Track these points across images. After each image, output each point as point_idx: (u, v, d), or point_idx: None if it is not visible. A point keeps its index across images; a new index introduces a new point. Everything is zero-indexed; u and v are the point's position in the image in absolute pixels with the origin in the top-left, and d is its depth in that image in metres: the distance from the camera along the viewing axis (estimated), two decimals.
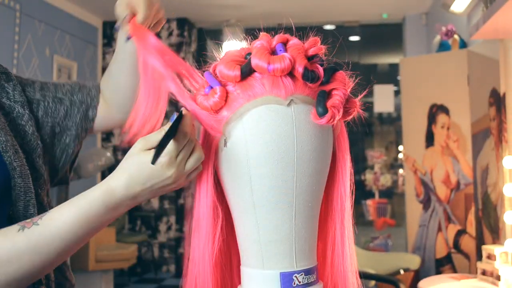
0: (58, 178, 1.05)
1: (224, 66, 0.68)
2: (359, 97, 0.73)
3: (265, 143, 0.66)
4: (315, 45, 0.70)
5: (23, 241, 0.68)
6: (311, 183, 0.68)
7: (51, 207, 0.96)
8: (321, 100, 0.66)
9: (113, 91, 1.06)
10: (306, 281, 0.68)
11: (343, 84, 0.69)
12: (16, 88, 0.98)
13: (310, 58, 0.69)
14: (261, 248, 0.68)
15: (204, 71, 0.72)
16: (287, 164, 0.66)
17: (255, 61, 0.66)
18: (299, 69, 0.66)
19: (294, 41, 0.69)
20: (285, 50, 0.68)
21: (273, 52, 0.68)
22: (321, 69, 0.68)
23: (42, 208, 0.94)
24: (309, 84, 0.67)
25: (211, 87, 0.69)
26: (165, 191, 0.70)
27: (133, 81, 1.02)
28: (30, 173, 0.92)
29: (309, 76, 0.66)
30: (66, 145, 1.03)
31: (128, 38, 0.88)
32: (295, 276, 0.67)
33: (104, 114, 1.07)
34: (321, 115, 0.66)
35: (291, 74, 0.67)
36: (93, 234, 0.72)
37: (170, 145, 0.65)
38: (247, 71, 0.67)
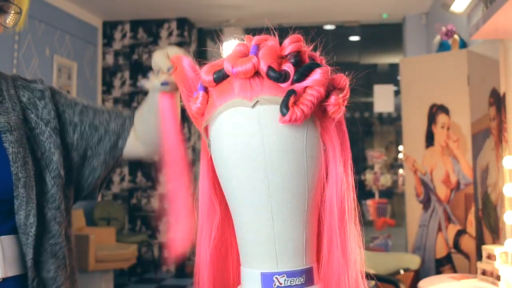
0: (84, 194, 1.15)
1: (203, 72, 0.70)
2: (343, 94, 0.70)
3: (235, 145, 0.67)
4: (294, 43, 0.69)
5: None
6: (286, 183, 0.67)
7: (61, 221, 1.05)
8: (285, 100, 0.65)
9: (143, 128, 1.14)
10: (289, 283, 0.67)
11: (319, 82, 0.67)
12: (46, 107, 1.08)
13: (285, 57, 0.68)
14: (246, 247, 0.70)
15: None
16: (258, 166, 0.66)
17: (224, 65, 0.67)
18: (263, 68, 0.66)
19: (271, 42, 0.69)
20: (258, 52, 0.68)
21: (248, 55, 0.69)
22: (291, 68, 0.66)
23: (44, 220, 1.01)
24: (279, 84, 0.66)
25: (197, 92, 0.72)
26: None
27: (159, 124, 1.09)
28: (38, 186, 1.00)
29: (274, 75, 0.65)
30: (93, 168, 1.13)
31: (165, 84, 0.92)
32: (276, 277, 0.67)
33: (133, 144, 1.16)
34: (284, 114, 0.65)
35: (261, 75, 0.67)
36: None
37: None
38: (219, 76, 0.68)
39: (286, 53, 0.68)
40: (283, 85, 0.66)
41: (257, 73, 0.67)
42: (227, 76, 0.68)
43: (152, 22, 5.81)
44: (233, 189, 0.68)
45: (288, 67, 0.66)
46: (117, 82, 5.87)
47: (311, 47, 0.71)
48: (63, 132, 1.10)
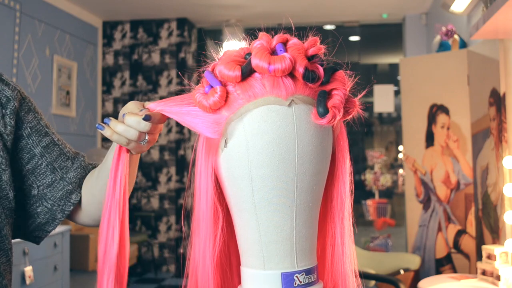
0: (19, 234, 1.00)
1: (224, 67, 0.67)
2: (359, 96, 0.72)
3: (266, 144, 0.66)
4: (314, 45, 0.69)
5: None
6: (312, 183, 0.68)
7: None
8: (322, 101, 0.66)
9: (91, 197, 0.97)
10: (307, 281, 0.68)
11: (343, 84, 0.69)
12: (4, 118, 0.93)
13: (310, 58, 0.68)
14: (262, 248, 0.68)
15: (203, 71, 0.72)
16: (288, 165, 0.66)
17: (255, 62, 0.66)
18: (300, 69, 0.66)
19: (294, 41, 0.69)
20: (285, 50, 0.67)
21: (273, 52, 0.68)
22: (321, 69, 0.68)
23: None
24: (309, 84, 0.67)
25: (211, 87, 0.69)
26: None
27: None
28: None
29: (310, 76, 0.66)
30: (36, 213, 0.97)
31: (147, 118, 0.76)
32: (296, 276, 0.67)
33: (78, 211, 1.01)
34: (322, 115, 0.65)
35: (291, 74, 0.67)
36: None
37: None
38: (247, 72, 0.67)
39: (309, 54, 0.68)
40: (312, 85, 0.67)
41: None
42: (253, 72, 0.67)
43: (152, 22, 5.81)
44: (253, 188, 0.67)
45: (318, 68, 0.67)
46: (117, 82, 5.87)
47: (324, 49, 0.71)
48: (15, 156, 0.95)
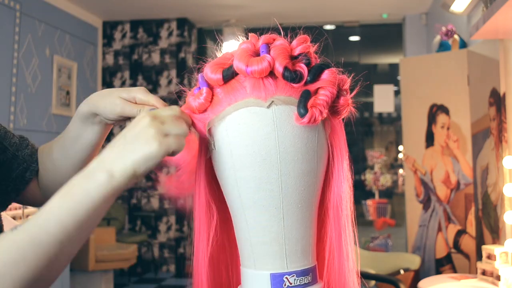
0: None
1: (209, 69, 0.69)
2: (351, 95, 0.72)
3: (247, 146, 0.66)
4: (302, 44, 0.69)
5: (20, 236, 0.59)
6: (298, 184, 0.67)
7: None
8: (302, 101, 0.65)
9: (62, 155, 0.93)
10: (298, 283, 0.67)
11: (330, 82, 0.68)
12: None
13: (296, 57, 0.68)
14: (252, 248, 0.68)
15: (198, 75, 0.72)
16: (271, 166, 0.66)
17: (235, 64, 0.66)
18: (279, 69, 0.65)
19: (279, 41, 0.68)
20: (268, 51, 0.67)
21: (258, 54, 0.68)
22: (305, 68, 0.66)
23: None
24: (293, 84, 0.66)
25: (199, 88, 0.70)
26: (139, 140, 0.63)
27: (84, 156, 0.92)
28: None
29: (289, 75, 0.65)
30: None
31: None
32: (286, 277, 0.67)
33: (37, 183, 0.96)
34: (302, 115, 0.65)
35: (274, 75, 0.66)
36: (96, 220, 0.63)
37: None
38: (229, 74, 0.67)
39: (296, 53, 0.68)
40: (296, 85, 0.67)
41: (269, 73, 0.66)
42: (236, 74, 0.67)
43: (152, 22, 5.81)
44: (239, 190, 0.67)
45: (301, 67, 0.67)
46: (117, 82, 5.87)
47: (315, 48, 0.71)
48: None
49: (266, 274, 0.67)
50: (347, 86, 0.71)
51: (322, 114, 0.66)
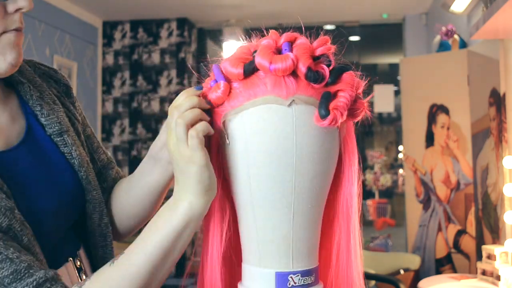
0: None
1: (228, 63, 0.68)
2: (367, 98, 0.72)
3: (264, 143, 0.65)
4: (323, 45, 0.69)
5: (116, 272, 0.68)
6: (312, 185, 0.67)
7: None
8: (324, 102, 0.65)
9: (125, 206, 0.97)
10: (302, 282, 0.67)
11: (350, 85, 0.68)
12: (73, 105, 0.95)
13: (317, 58, 0.67)
14: (258, 246, 0.68)
15: (206, 69, 0.72)
16: (286, 165, 0.65)
17: (258, 60, 0.66)
18: (302, 69, 0.65)
19: (301, 40, 0.68)
20: (291, 49, 0.67)
21: (279, 51, 0.67)
22: (326, 70, 0.66)
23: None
24: (313, 85, 0.66)
25: (216, 81, 0.69)
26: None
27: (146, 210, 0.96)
28: None
29: (312, 76, 0.65)
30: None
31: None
32: (291, 277, 0.67)
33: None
34: (323, 117, 0.64)
35: (295, 73, 0.66)
36: (182, 247, 0.69)
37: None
38: (250, 70, 0.66)
39: (317, 54, 0.68)
40: (316, 86, 0.66)
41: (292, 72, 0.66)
42: (257, 70, 0.67)
43: (152, 22, 5.80)
44: (251, 186, 0.66)
45: (323, 68, 0.66)
46: (117, 82, 5.87)
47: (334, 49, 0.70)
48: None
49: (271, 272, 0.67)
50: (361, 89, 0.71)
51: (343, 116, 0.66)
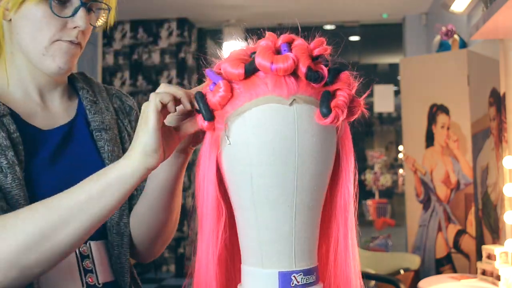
0: None
1: (228, 64, 0.68)
2: (363, 97, 0.72)
3: (266, 143, 0.65)
4: (320, 45, 0.69)
5: (38, 202, 0.76)
6: (313, 183, 0.67)
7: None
8: (325, 101, 0.66)
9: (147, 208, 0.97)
10: (305, 281, 0.67)
11: (347, 84, 0.69)
12: (130, 124, 1.05)
13: (315, 58, 0.68)
14: (260, 246, 0.68)
15: (205, 71, 0.72)
16: (288, 164, 0.66)
17: (258, 60, 0.66)
18: (303, 69, 0.66)
19: (299, 41, 0.69)
20: (290, 50, 0.67)
21: (278, 52, 0.68)
22: (325, 70, 0.67)
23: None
24: (312, 84, 0.67)
25: (215, 83, 0.69)
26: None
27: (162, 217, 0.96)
28: None
29: (313, 76, 0.66)
30: None
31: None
32: (294, 276, 0.67)
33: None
34: (325, 115, 0.65)
35: (295, 74, 0.66)
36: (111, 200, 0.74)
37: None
38: (251, 70, 0.67)
39: (315, 54, 0.68)
40: (316, 85, 0.67)
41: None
42: (257, 71, 0.67)
43: (152, 22, 5.81)
44: (253, 187, 0.67)
45: (322, 68, 0.67)
46: (117, 82, 5.87)
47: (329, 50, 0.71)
48: None
49: (274, 272, 0.67)
50: (355, 89, 0.71)
51: (343, 114, 0.67)
